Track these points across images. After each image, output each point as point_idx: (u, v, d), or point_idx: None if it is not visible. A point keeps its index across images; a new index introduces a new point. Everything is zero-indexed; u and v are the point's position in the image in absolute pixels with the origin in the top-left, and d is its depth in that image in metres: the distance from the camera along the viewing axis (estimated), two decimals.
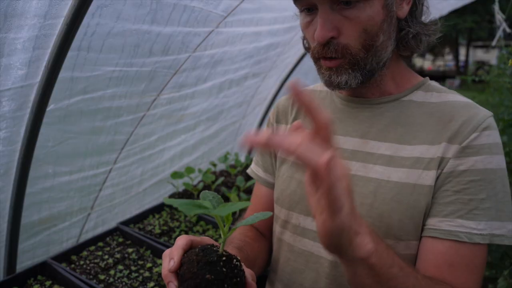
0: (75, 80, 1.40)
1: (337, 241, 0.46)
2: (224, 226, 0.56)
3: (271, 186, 0.88)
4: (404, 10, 0.67)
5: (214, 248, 0.55)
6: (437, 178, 0.64)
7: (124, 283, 1.30)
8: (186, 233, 1.68)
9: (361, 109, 0.74)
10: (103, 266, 1.39)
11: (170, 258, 0.55)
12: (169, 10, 1.46)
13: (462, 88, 17.17)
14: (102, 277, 1.32)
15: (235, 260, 0.55)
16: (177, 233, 1.66)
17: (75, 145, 1.61)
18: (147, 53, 1.59)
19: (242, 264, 0.56)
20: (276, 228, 0.83)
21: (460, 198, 0.62)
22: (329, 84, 0.68)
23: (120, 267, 1.39)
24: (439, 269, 0.62)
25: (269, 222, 0.88)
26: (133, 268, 1.39)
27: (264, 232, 0.91)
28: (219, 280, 0.51)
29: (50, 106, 1.34)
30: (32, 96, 1.28)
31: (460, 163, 0.63)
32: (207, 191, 0.58)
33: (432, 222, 0.64)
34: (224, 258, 0.53)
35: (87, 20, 1.20)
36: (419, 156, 0.66)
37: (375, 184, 0.67)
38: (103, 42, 1.36)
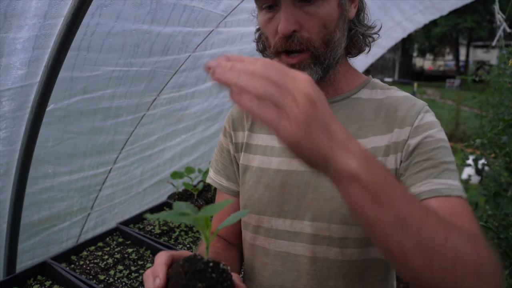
0: (75, 80, 1.40)
1: (303, 152, 0.45)
2: (207, 230, 0.55)
3: (236, 194, 0.88)
4: (352, 12, 0.73)
5: (198, 257, 0.54)
6: (401, 161, 0.70)
7: (124, 283, 1.30)
8: (186, 233, 1.68)
9: None
10: (103, 266, 1.39)
11: (154, 276, 0.53)
12: (169, 10, 1.46)
13: (462, 88, 17.15)
14: (102, 277, 1.32)
15: (222, 265, 0.54)
16: (177, 233, 1.66)
17: (75, 145, 1.61)
18: (147, 53, 1.59)
19: (229, 267, 0.56)
20: (247, 235, 0.83)
21: (430, 163, 0.66)
22: None
23: (120, 267, 1.39)
24: None
25: (237, 230, 0.88)
26: (133, 268, 1.39)
27: (232, 241, 0.90)
28: (211, 286, 0.50)
29: (50, 106, 1.34)
30: (32, 96, 1.28)
31: (420, 138, 0.69)
32: (179, 201, 0.58)
33: (412, 190, 0.66)
34: (211, 264, 0.52)
35: (87, 20, 1.20)
36: (375, 145, 0.72)
37: None
38: (103, 42, 1.36)
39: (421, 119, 0.71)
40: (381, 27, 0.81)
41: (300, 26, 0.67)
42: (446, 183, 0.64)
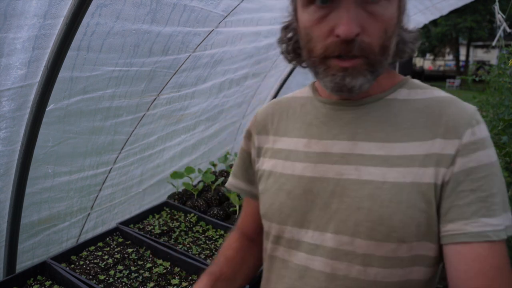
0: (74, 80, 1.40)
1: None
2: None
3: (257, 198, 0.84)
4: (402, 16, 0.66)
5: None
6: (444, 181, 0.61)
7: (124, 283, 1.30)
8: (186, 233, 1.67)
9: (345, 111, 0.70)
10: (102, 266, 1.39)
11: None
12: (169, 10, 1.46)
13: (463, 88, 17.15)
14: (102, 277, 1.32)
15: None
16: (177, 233, 1.66)
17: (75, 145, 1.61)
18: (147, 53, 1.59)
19: None
20: (268, 246, 0.77)
21: (478, 196, 0.60)
22: (339, 87, 0.61)
23: (120, 267, 1.39)
24: (485, 275, 0.59)
25: (258, 227, 0.85)
26: (133, 268, 1.39)
27: (255, 237, 0.89)
28: None
29: (50, 106, 1.34)
30: (32, 96, 1.28)
31: (469, 160, 0.61)
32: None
33: (455, 226, 0.60)
34: None
35: (87, 19, 1.20)
36: (413, 153, 0.63)
37: (370, 186, 0.64)
38: (102, 42, 1.36)
39: (473, 133, 0.62)
40: (418, 31, 0.71)
41: (363, 29, 0.58)
42: (493, 224, 0.59)
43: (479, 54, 27.59)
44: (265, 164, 0.78)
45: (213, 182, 2.08)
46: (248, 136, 0.87)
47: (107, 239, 1.59)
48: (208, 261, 1.44)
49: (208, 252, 1.52)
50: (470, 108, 0.65)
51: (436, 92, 0.69)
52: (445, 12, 4.14)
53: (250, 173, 0.87)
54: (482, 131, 0.63)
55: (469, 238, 0.59)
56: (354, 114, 0.69)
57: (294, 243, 0.71)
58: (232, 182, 0.91)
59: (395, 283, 0.63)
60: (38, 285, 1.28)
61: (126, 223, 1.69)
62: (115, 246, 1.54)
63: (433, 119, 0.65)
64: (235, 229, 0.95)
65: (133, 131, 1.91)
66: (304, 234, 0.69)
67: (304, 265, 0.69)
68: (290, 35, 0.71)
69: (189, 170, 2.03)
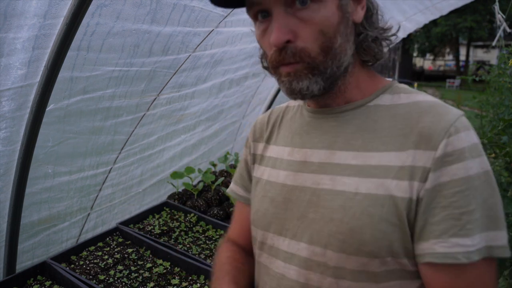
0: (74, 80, 1.40)
1: None
2: None
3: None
4: (359, 14, 0.65)
5: None
6: (419, 197, 0.58)
7: (124, 283, 1.30)
8: (186, 233, 1.67)
9: (326, 119, 0.70)
10: (102, 266, 1.39)
11: None
12: (169, 10, 1.46)
13: (462, 88, 17.14)
14: (102, 277, 1.32)
15: None
16: (177, 233, 1.66)
17: (75, 145, 1.61)
18: (147, 53, 1.59)
19: None
20: (255, 251, 0.78)
21: (450, 213, 0.56)
22: (291, 92, 0.63)
23: (120, 267, 1.39)
24: None
25: (250, 235, 0.84)
26: (132, 268, 1.39)
27: (251, 251, 0.85)
28: None
29: (50, 106, 1.34)
30: (32, 96, 1.28)
31: (441, 174, 0.56)
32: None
33: (426, 246, 0.57)
34: None
35: (87, 19, 1.20)
36: (388, 164, 0.60)
37: (343, 197, 0.62)
38: (102, 42, 1.36)
39: (449, 144, 0.57)
40: (399, 28, 0.70)
41: (295, 35, 0.60)
42: (465, 244, 0.54)
43: (479, 54, 27.60)
44: (257, 171, 0.80)
45: (213, 182, 2.08)
46: (246, 143, 0.88)
47: (107, 239, 1.59)
48: (208, 261, 1.44)
49: (208, 252, 1.52)
50: (452, 114, 0.60)
51: (421, 97, 0.65)
52: (445, 12, 4.14)
53: (246, 180, 0.88)
54: (461, 140, 0.57)
55: (436, 259, 0.56)
56: (334, 122, 0.69)
57: (274, 251, 0.71)
58: (232, 187, 0.93)
59: None
60: (38, 285, 1.28)
61: (126, 223, 1.69)
62: (115, 246, 1.54)
63: (410, 127, 0.61)
64: (226, 240, 0.91)
65: (133, 131, 1.91)
66: (281, 242, 0.69)
67: (281, 273, 0.69)
68: (260, 51, 0.73)
69: (189, 170, 2.03)
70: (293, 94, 0.63)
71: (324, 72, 0.62)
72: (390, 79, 0.73)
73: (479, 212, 0.55)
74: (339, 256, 0.61)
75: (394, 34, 0.70)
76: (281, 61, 0.62)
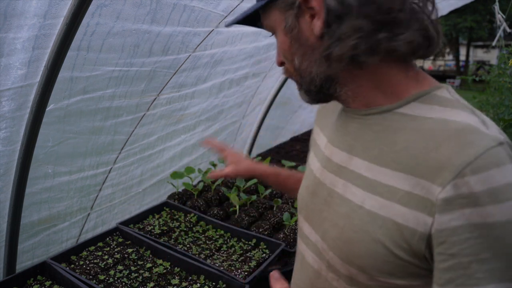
0: (74, 80, 1.40)
1: None
2: None
3: None
4: (316, 27, 0.59)
5: None
6: (429, 229, 0.52)
7: (124, 283, 1.30)
8: (186, 233, 1.68)
9: (351, 119, 0.68)
10: (102, 266, 1.39)
11: None
12: (169, 10, 1.46)
13: (462, 88, 17.17)
14: (102, 277, 1.32)
15: None
16: (177, 233, 1.66)
17: (75, 145, 1.61)
18: (147, 53, 1.59)
19: None
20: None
21: (458, 262, 0.50)
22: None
23: (120, 267, 1.39)
24: None
25: None
26: (133, 268, 1.39)
27: None
28: None
29: (50, 106, 1.34)
30: (32, 96, 1.28)
31: (452, 218, 0.49)
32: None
33: None
34: None
35: (87, 19, 1.20)
36: (396, 185, 0.56)
37: (349, 206, 0.62)
38: (102, 42, 1.36)
39: (461, 185, 0.48)
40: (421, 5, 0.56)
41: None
42: None
43: (479, 54, 27.60)
44: (310, 152, 0.85)
45: (213, 182, 2.08)
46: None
47: (107, 239, 1.59)
48: (208, 261, 1.44)
49: (208, 252, 1.52)
50: (477, 147, 0.49)
51: (455, 115, 0.55)
52: (445, 12, 4.14)
53: None
54: (481, 182, 0.48)
55: None
56: (357, 125, 0.66)
57: (302, 232, 0.77)
58: None
59: None
60: (38, 285, 1.28)
61: (126, 223, 1.69)
62: (115, 246, 1.54)
63: (428, 150, 0.53)
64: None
65: (133, 131, 1.91)
66: (306, 228, 0.75)
67: (303, 254, 0.76)
68: None
69: (189, 170, 2.03)
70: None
71: (305, 87, 0.68)
72: (436, 83, 0.62)
73: (495, 262, 0.48)
74: (337, 260, 0.64)
75: (396, 23, 0.56)
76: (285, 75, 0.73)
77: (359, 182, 0.62)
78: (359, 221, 0.60)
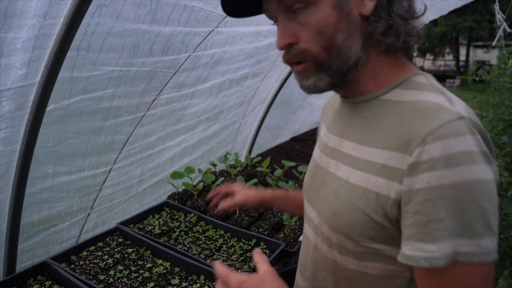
0: (74, 80, 1.40)
1: None
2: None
3: None
4: (367, 7, 0.64)
5: None
6: (399, 194, 0.60)
7: (124, 283, 1.30)
8: (186, 233, 1.68)
9: (345, 108, 0.77)
10: (102, 266, 1.39)
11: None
12: (169, 10, 1.46)
13: (463, 88, 17.17)
14: (101, 277, 1.32)
15: None
16: (177, 233, 1.66)
17: (75, 145, 1.61)
18: (147, 53, 1.59)
19: None
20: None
21: (417, 220, 0.57)
22: (302, 88, 0.71)
23: (120, 267, 1.39)
24: None
25: None
26: (132, 268, 1.39)
27: None
28: None
29: (50, 106, 1.34)
30: (32, 96, 1.28)
31: (415, 181, 0.57)
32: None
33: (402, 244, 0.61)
34: None
35: (87, 19, 1.20)
36: (374, 160, 0.64)
37: (338, 182, 0.71)
38: (102, 42, 1.36)
39: (423, 152, 0.56)
40: (425, 9, 0.67)
41: (297, 37, 0.65)
42: (429, 250, 0.55)
43: (479, 54, 27.60)
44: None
45: (213, 182, 2.08)
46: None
47: (107, 239, 1.59)
48: (208, 261, 1.44)
49: (208, 252, 1.52)
50: (439, 120, 0.57)
51: (427, 96, 0.63)
52: (445, 12, 4.13)
53: None
54: (439, 149, 0.55)
55: (402, 260, 0.59)
56: (350, 113, 0.75)
57: (305, 213, 0.86)
58: None
59: (354, 271, 0.71)
60: (38, 285, 1.28)
61: (126, 223, 1.69)
62: (115, 246, 1.54)
63: (400, 127, 0.62)
64: None
65: (133, 131, 1.91)
66: (308, 208, 0.83)
67: (306, 234, 0.84)
68: None
69: (189, 170, 2.03)
70: (304, 90, 0.70)
71: (329, 69, 0.66)
72: (416, 70, 0.70)
73: (451, 221, 0.55)
74: (328, 230, 0.72)
75: (416, 17, 0.66)
76: (289, 60, 0.69)
77: (346, 161, 0.71)
78: (344, 194, 0.69)
